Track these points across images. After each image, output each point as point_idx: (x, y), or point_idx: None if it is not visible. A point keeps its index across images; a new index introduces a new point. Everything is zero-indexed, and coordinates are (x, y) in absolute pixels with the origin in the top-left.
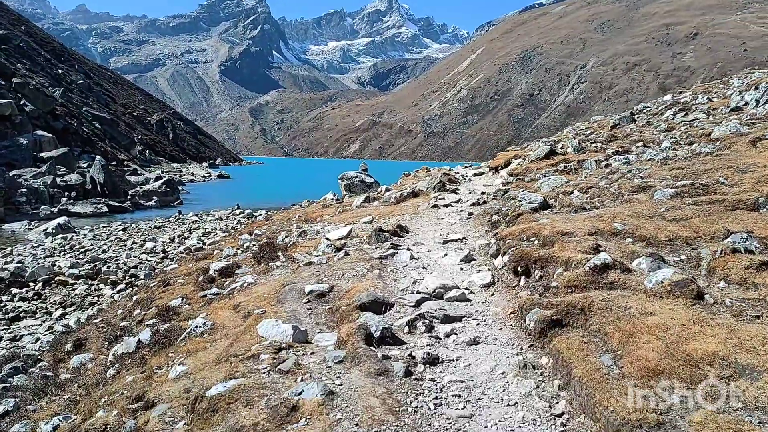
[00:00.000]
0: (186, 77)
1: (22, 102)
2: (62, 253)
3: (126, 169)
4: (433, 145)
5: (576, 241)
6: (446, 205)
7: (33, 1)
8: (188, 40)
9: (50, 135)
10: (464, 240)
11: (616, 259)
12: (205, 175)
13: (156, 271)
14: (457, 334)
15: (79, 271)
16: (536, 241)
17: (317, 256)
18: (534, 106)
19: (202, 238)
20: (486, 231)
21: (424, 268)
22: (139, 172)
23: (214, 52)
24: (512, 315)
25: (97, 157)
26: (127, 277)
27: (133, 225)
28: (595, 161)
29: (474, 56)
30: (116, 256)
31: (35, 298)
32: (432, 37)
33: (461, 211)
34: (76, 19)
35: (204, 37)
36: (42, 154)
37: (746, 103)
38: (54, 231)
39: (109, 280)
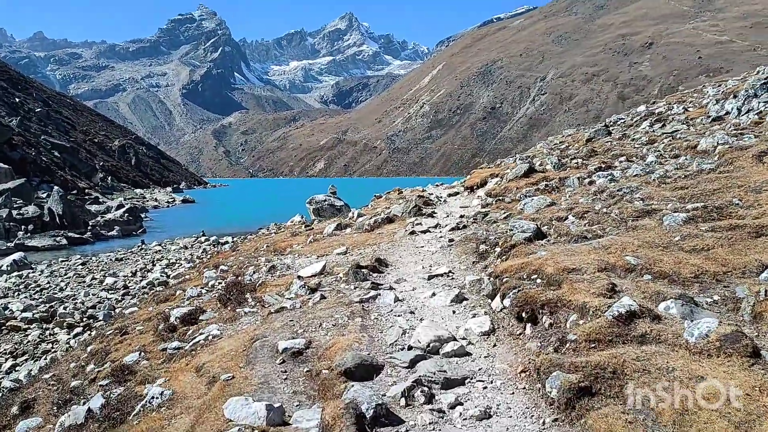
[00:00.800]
0: (147, 102)
1: None
2: (16, 293)
3: (87, 197)
4: (398, 161)
5: (586, 279)
6: (424, 231)
7: None
8: (149, 65)
9: (6, 166)
10: (451, 274)
11: (642, 304)
12: (169, 200)
13: (116, 311)
14: (463, 404)
15: (33, 314)
16: (539, 280)
17: (290, 299)
18: (496, 119)
19: (166, 270)
20: (473, 262)
21: (411, 312)
22: (101, 200)
23: (175, 76)
24: (524, 374)
25: (55, 187)
26: (84, 319)
27: (93, 258)
28: (578, 178)
29: (435, 71)
30: (74, 295)
31: None
32: (393, 54)
33: (441, 237)
34: (33, 46)
35: (165, 61)
36: (8, 185)
37: (727, 113)
38: (8, 269)
39: (65, 323)
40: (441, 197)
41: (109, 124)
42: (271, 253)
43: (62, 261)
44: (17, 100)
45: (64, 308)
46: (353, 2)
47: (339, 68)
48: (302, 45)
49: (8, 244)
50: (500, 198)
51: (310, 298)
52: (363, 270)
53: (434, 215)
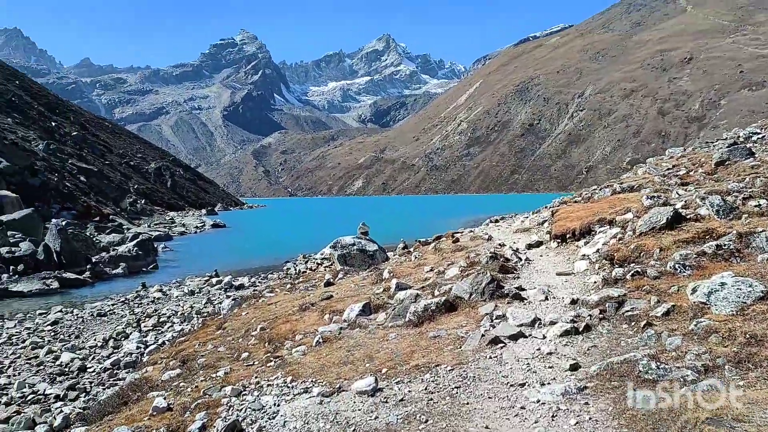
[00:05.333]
0: (189, 124)
1: None
2: None
3: (109, 225)
4: (436, 179)
5: None
6: (514, 337)
7: (39, 57)
8: (191, 88)
9: (13, 195)
10: None
11: None
12: (198, 225)
13: None
14: None
15: None
16: None
17: None
18: (534, 135)
19: (146, 338)
20: None
21: None
22: (124, 227)
23: (216, 98)
24: None
25: (54, 221)
26: None
27: (72, 312)
28: None
29: (472, 89)
30: (7, 385)
31: None
32: (430, 73)
33: (549, 354)
34: (80, 72)
35: (207, 84)
36: (2, 218)
37: None
38: None
39: None
40: (518, 251)
41: (147, 147)
42: (262, 347)
43: (40, 314)
44: (53, 124)
45: None
46: (390, 24)
47: (377, 88)
48: (340, 66)
49: None
50: (636, 270)
51: None
52: None
53: (522, 295)
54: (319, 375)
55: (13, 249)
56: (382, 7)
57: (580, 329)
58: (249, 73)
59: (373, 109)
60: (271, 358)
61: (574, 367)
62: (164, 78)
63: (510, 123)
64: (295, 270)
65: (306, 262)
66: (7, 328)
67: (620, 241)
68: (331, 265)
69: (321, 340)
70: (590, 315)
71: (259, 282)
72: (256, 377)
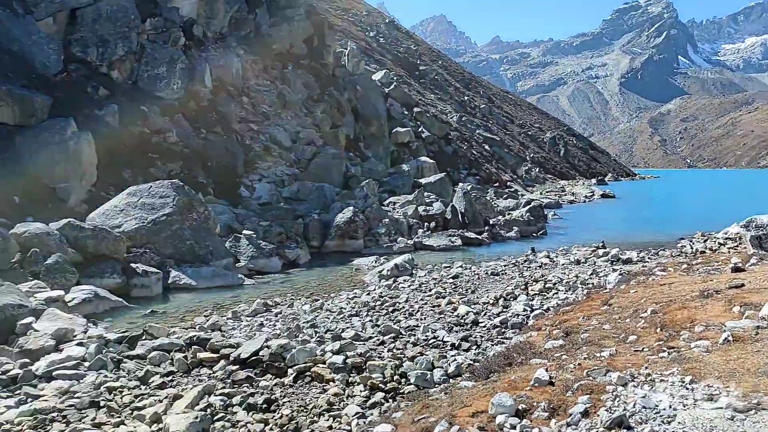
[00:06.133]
0: (585, 93)
1: (420, 129)
2: (369, 310)
3: (506, 191)
4: None
5: None
6: None
7: (457, 39)
8: (589, 57)
9: (431, 161)
10: None
11: None
12: (587, 194)
13: (432, 373)
14: None
15: (346, 359)
16: None
17: None
18: None
19: (533, 301)
20: None
21: None
22: (519, 193)
23: (614, 65)
24: None
25: (460, 185)
26: (395, 377)
27: (470, 269)
28: None
29: None
30: (416, 327)
31: (264, 406)
32: None
33: None
34: (490, 50)
35: (605, 52)
36: (422, 180)
37: None
38: (388, 273)
39: (369, 382)
40: None
41: (544, 117)
42: (653, 332)
43: (445, 267)
44: (465, 98)
45: (380, 356)
46: None
47: None
48: (763, 18)
49: (408, 242)
50: None
51: None
52: None
53: None
54: (729, 381)
55: (427, 208)
56: None
57: None
58: (651, 36)
59: None
60: (664, 347)
61: None
62: (564, 49)
63: None
64: (692, 249)
65: (705, 241)
66: (419, 276)
67: None
68: (738, 246)
69: (730, 338)
70: None
71: (648, 258)
72: (645, 367)
